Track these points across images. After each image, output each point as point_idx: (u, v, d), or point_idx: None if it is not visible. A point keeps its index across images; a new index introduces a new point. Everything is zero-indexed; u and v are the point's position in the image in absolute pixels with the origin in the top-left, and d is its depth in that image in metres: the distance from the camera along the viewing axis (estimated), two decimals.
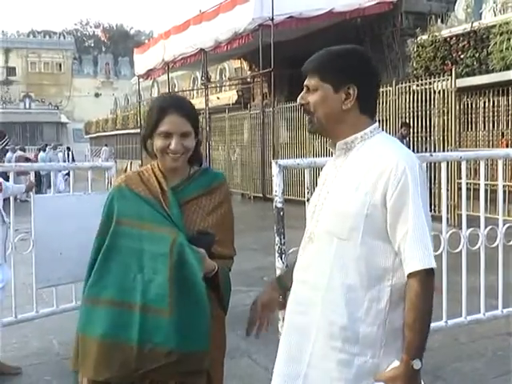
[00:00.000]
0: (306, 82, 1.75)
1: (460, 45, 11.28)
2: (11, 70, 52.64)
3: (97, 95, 54.38)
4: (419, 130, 10.87)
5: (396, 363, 1.59)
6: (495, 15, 11.62)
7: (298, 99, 1.78)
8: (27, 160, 15.28)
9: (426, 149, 10.36)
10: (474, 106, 10.96)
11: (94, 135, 41.64)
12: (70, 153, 25.31)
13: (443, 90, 10.36)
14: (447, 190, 5.54)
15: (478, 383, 3.72)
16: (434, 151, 9.82)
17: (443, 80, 10.42)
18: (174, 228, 1.87)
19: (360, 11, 13.68)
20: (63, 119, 49.91)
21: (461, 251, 3.89)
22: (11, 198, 4.34)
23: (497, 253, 3.97)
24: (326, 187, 1.76)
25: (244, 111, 17.07)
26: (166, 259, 1.81)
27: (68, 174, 13.03)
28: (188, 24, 17.33)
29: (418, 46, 12.21)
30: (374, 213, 1.61)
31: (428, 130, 10.77)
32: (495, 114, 10.66)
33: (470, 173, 5.88)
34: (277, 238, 3.17)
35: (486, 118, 10.80)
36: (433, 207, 9.07)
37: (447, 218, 4.20)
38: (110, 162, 5.42)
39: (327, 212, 1.71)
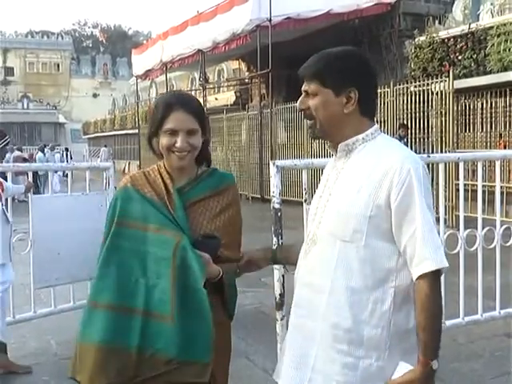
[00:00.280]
0: (304, 87, 1.72)
1: (458, 46, 11.30)
2: (9, 70, 52.69)
3: (95, 96, 54.42)
4: (417, 131, 10.87)
5: (403, 365, 1.58)
6: (493, 17, 11.64)
7: (297, 104, 1.76)
8: (25, 160, 15.27)
9: (423, 150, 10.33)
10: (471, 107, 10.97)
11: (92, 136, 41.64)
12: (69, 153, 25.25)
13: (441, 92, 10.37)
14: (445, 192, 5.55)
15: None
16: (432, 152, 9.82)
17: (441, 81, 10.43)
18: (179, 231, 1.81)
19: (358, 12, 13.72)
20: (61, 119, 49.94)
21: (458, 252, 3.89)
22: (9, 199, 4.34)
23: (494, 254, 3.98)
24: (328, 189, 1.75)
25: (242, 112, 17.02)
26: (169, 263, 1.76)
27: (66, 175, 13.07)
28: (186, 25, 17.36)
29: (415, 48, 12.22)
30: (378, 214, 1.60)
31: (426, 131, 10.77)
32: (493, 115, 10.66)
33: (467, 174, 5.88)
34: (274, 239, 3.16)
35: (484, 120, 10.80)
36: None
37: (445, 219, 4.21)
38: (108, 163, 5.39)
39: (330, 214, 1.70)
